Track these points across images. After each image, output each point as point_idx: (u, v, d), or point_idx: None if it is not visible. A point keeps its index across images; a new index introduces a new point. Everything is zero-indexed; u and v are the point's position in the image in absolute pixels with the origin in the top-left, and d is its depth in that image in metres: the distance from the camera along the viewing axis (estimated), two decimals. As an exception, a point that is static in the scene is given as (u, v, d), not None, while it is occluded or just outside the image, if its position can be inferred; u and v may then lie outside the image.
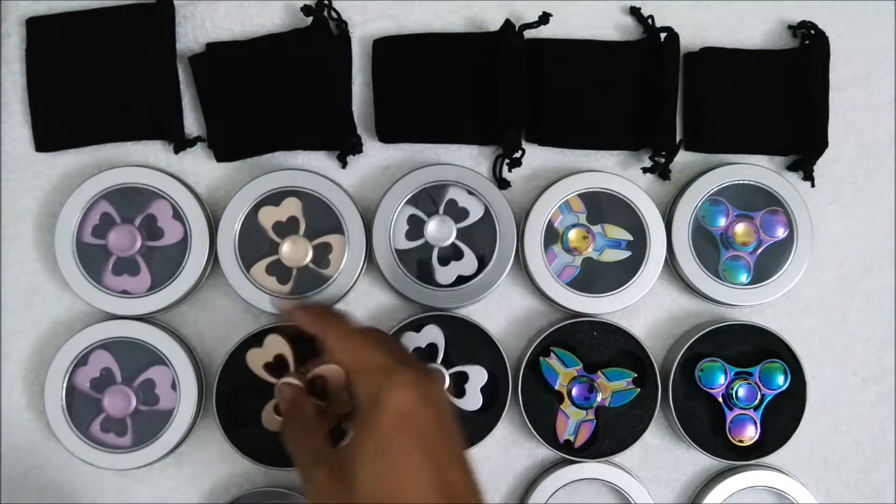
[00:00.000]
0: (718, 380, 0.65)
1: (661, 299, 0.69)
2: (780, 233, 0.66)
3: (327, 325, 0.52)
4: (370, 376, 0.48)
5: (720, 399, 0.66)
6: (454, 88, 0.67)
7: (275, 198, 0.65)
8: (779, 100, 0.68)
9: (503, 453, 0.68)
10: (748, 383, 0.65)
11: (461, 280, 0.65)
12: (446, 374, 0.63)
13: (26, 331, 0.67)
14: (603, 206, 0.66)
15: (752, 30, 0.69)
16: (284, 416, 0.53)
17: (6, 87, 0.67)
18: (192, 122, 0.67)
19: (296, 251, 0.64)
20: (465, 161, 0.68)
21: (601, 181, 0.66)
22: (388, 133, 0.67)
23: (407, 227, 0.65)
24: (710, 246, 0.67)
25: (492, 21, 0.68)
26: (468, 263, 0.65)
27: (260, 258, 0.64)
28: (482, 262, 0.65)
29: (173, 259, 0.64)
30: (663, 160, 0.66)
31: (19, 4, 0.67)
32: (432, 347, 0.65)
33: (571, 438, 0.65)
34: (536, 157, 0.68)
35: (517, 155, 0.66)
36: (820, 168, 0.68)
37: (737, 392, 0.65)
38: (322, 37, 0.65)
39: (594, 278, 0.66)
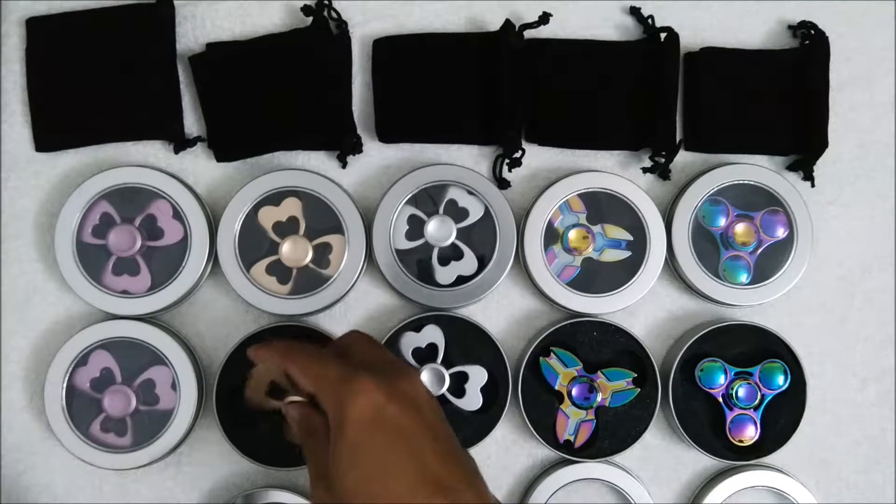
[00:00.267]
0: (718, 380, 0.65)
1: (661, 299, 0.69)
2: (780, 233, 0.66)
3: (287, 356, 0.51)
4: (331, 391, 0.48)
5: (720, 399, 0.66)
6: (454, 88, 0.67)
7: (275, 198, 0.65)
8: (779, 100, 0.68)
9: (503, 453, 0.68)
10: (748, 383, 0.65)
11: (461, 280, 0.65)
12: (446, 373, 0.63)
13: (26, 331, 0.67)
14: (603, 206, 0.66)
15: (752, 30, 0.69)
16: (300, 436, 0.53)
17: (6, 87, 0.67)
18: (192, 122, 0.67)
19: (296, 251, 0.64)
20: (465, 161, 0.68)
21: (601, 181, 0.66)
22: (388, 133, 0.67)
23: (407, 227, 0.65)
24: (710, 246, 0.67)
25: (492, 21, 0.68)
26: (468, 263, 0.65)
27: (260, 258, 0.64)
28: (482, 262, 0.65)
29: (173, 259, 0.64)
30: (663, 160, 0.66)
31: (19, 4, 0.67)
32: (432, 347, 0.65)
33: (571, 438, 0.65)
34: (536, 157, 0.68)
35: (517, 155, 0.66)
36: (820, 168, 0.68)
37: (737, 392, 0.65)
38: (322, 37, 0.65)
39: (594, 278, 0.66)
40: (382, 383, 0.47)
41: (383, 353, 0.52)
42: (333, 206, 0.65)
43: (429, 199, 0.66)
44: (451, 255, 0.65)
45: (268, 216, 0.65)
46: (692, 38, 0.68)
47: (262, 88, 0.66)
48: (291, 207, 0.65)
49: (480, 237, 0.65)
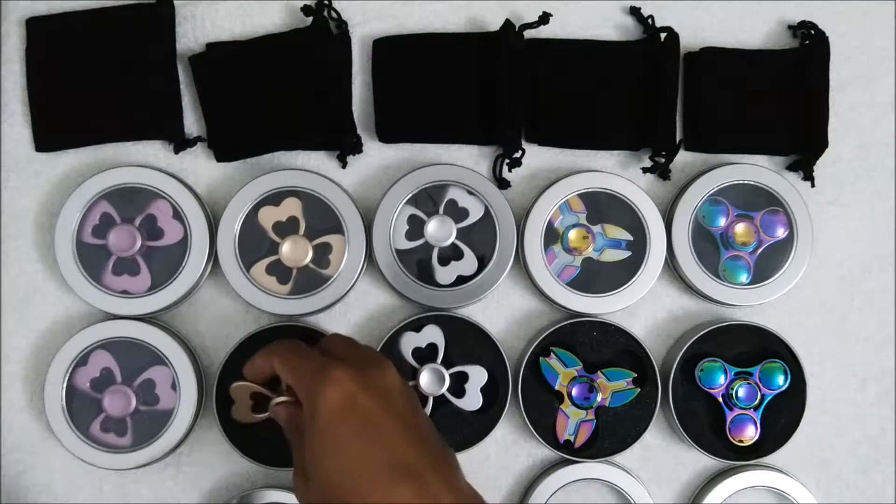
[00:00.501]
0: (718, 380, 0.65)
1: (661, 299, 0.69)
2: (780, 233, 0.66)
3: (271, 351, 0.52)
4: (305, 383, 0.49)
5: (720, 399, 0.66)
6: (454, 88, 0.67)
7: (275, 198, 0.65)
8: (779, 100, 0.68)
9: (503, 453, 0.68)
10: (748, 383, 0.65)
11: (461, 280, 0.65)
12: (446, 373, 0.63)
13: (26, 331, 0.67)
14: (603, 206, 0.66)
15: (752, 30, 0.69)
16: (289, 434, 0.54)
17: (6, 87, 0.67)
18: (192, 122, 0.67)
19: (296, 251, 0.64)
20: (465, 161, 0.68)
21: (601, 181, 0.66)
22: (388, 133, 0.67)
23: (407, 227, 0.65)
24: (710, 246, 0.67)
25: (492, 21, 0.68)
26: (468, 263, 0.65)
27: (260, 258, 0.64)
28: (482, 262, 0.65)
29: (173, 259, 0.64)
30: (663, 160, 0.66)
31: (19, 4, 0.67)
32: (432, 347, 0.65)
33: (571, 438, 0.65)
34: (536, 157, 0.68)
35: (517, 155, 0.66)
36: (820, 168, 0.68)
37: (737, 392, 0.65)
38: (322, 37, 0.65)
39: (594, 278, 0.66)
40: (354, 374, 0.48)
41: (360, 349, 0.53)
42: (333, 206, 0.65)
43: (429, 199, 0.66)
44: (451, 255, 0.65)
45: (268, 216, 0.65)
46: (692, 38, 0.68)
47: (262, 88, 0.66)
48: (291, 207, 0.65)
49: (480, 237, 0.65)
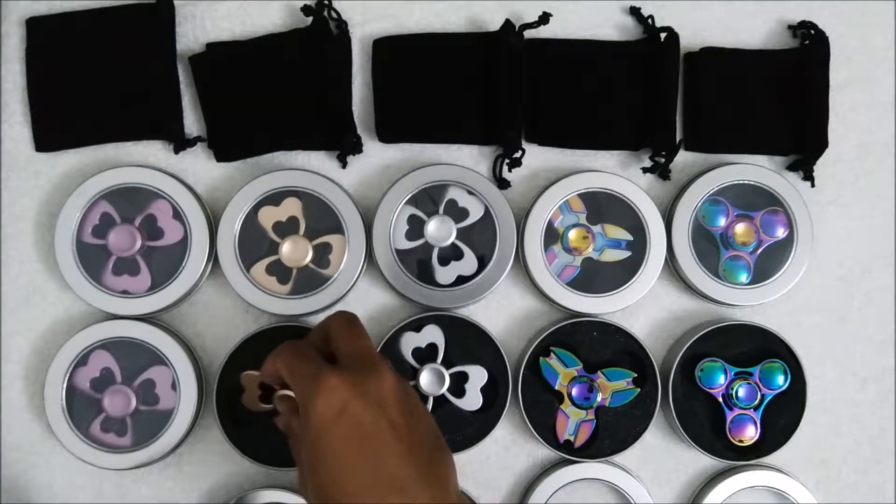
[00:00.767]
0: (718, 380, 0.65)
1: (661, 299, 0.69)
2: (780, 233, 0.66)
3: (276, 354, 0.52)
4: (302, 388, 0.48)
5: (720, 399, 0.66)
6: (454, 88, 0.67)
7: (275, 198, 0.65)
8: (779, 100, 0.68)
9: (503, 453, 0.68)
10: (748, 383, 0.65)
11: (461, 280, 0.65)
12: (446, 373, 0.63)
13: (26, 331, 0.67)
14: (603, 206, 0.66)
15: (752, 30, 0.69)
16: (286, 428, 0.54)
17: (6, 87, 0.67)
18: (192, 122, 0.67)
19: (296, 251, 0.64)
20: (465, 161, 0.68)
21: (601, 181, 0.66)
22: (388, 133, 0.67)
23: (407, 227, 0.65)
24: (710, 246, 0.67)
25: (492, 21, 0.68)
26: (468, 263, 0.65)
27: (260, 258, 0.64)
28: (482, 262, 0.65)
29: (173, 259, 0.64)
30: (663, 160, 0.66)
31: (19, 4, 0.67)
32: (432, 347, 0.65)
33: (571, 438, 0.65)
34: (536, 157, 0.68)
35: (517, 155, 0.66)
36: (820, 168, 0.68)
37: (737, 392, 0.65)
38: (322, 37, 0.65)
39: (594, 278, 0.66)
40: (348, 381, 0.47)
41: (361, 345, 0.51)
42: (333, 206, 0.65)
43: (429, 199, 0.66)
44: (451, 255, 0.65)
45: (268, 216, 0.65)
46: (692, 38, 0.68)
47: (262, 88, 0.66)
48: (291, 207, 0.65)
49: (480, 237, 0.65)
